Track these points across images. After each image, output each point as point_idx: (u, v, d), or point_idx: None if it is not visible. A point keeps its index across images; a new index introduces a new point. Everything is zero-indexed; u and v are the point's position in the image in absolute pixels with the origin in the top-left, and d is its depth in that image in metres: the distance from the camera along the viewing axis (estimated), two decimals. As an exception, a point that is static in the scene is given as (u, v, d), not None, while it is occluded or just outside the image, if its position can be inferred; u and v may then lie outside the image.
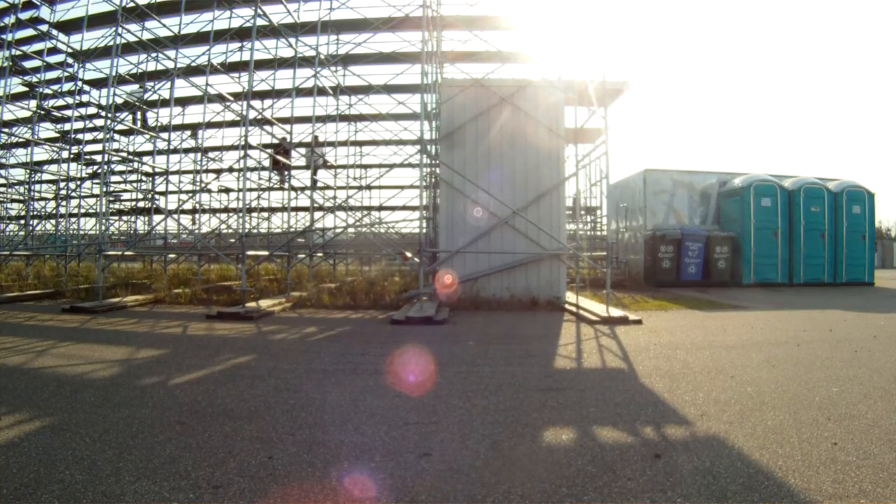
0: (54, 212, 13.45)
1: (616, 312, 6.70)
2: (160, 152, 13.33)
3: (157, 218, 13.75)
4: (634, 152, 71.27)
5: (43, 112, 13.27)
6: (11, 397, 3.12)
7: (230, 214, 15.70)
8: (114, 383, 3.50)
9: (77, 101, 12.85)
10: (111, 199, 15.32)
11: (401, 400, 3.17)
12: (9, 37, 11.36)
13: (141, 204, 15.37)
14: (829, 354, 4.50)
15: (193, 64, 11.10)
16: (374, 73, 12.77)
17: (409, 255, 9.09)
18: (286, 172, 11.35)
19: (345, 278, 12.75)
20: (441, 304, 7.56)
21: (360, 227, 12.11)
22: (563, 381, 3.61)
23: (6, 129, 13.30)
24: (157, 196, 14.02)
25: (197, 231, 13.94)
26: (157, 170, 14.03)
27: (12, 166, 14.62)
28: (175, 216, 12.64)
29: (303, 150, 14.11)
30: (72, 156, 13.71)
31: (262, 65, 11.38)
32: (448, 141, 8.63)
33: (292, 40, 10.55)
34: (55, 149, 13.83)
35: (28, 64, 12.76)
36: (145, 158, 14.50)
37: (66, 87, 12.95)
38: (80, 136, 13.95)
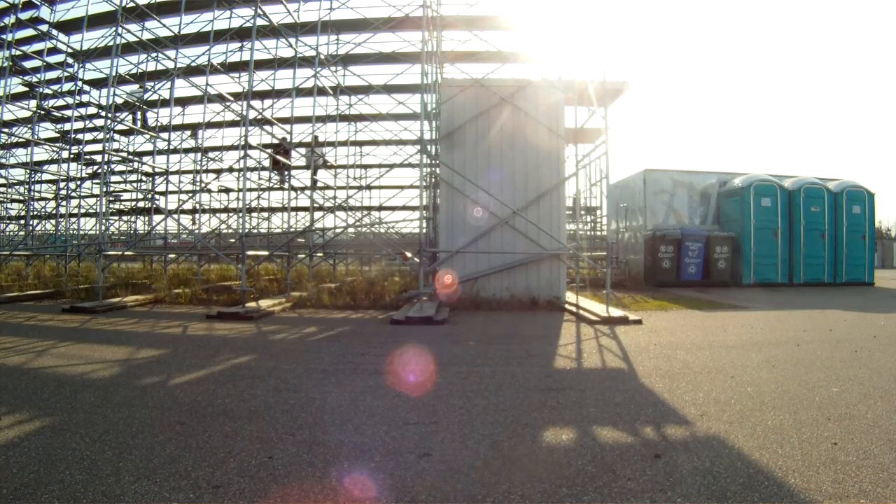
0: (54, 212, 13.46)
1: (616, 312, 6.70)
2: (160, 152, 13.33)
3: (157, 218, 13.75)
4: (634, 152, 71.32)
5: (43, 112, 13.27)
6: (11, 397, 3.12)
7: (230, 214, 15.70)
8: (114, 383, 3.50)
9: (77, 101, 12.85)
10: (111, 199, 15.32)
11: (401, 400, 3.17)
12: (9, 37, 11.36)
13: (141, 204, 15.38)
14: (829, 354, 4.50)
15: (193, 64, 11.11)
16: (374, 73, 12.79)
17: (409, 255, 9.09)
18: (286, 172, 11.35)
19: (345, 278, 12.75)
20: (441, 304, 7.56)
21: (360, 227, 12.11)
22: (563, 381, 3.61)
23: (6, 129, 13.30)
24: (157, 196, 14.03)
25: (197, 231, 13.94)
26: (157, 170, 14.03)
27: (12, 166, 14.63)
28: (175, 216, 12.64)
29: (303, 150, 14.11)
30: (72, 156, 13.71)
31: (262, 65, 11.38)
32: (448, 141, 8.63)
33: (292, 40, 10.55)
34: (55, 149, 13.84)
35: (28, 64, 12.77)
36: (145, 158, 14.50)
37: (66, 87, 12.97)
38: (80, 136, 13.96)
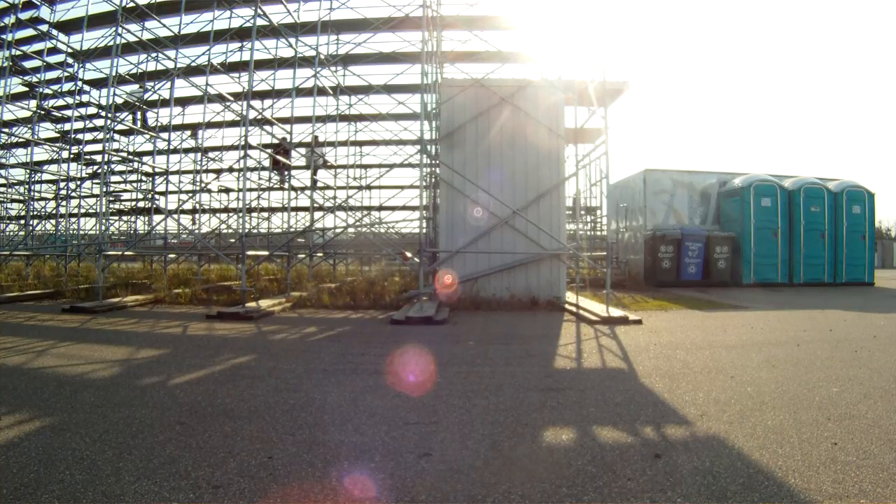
0: (54, 212, 13.46)
1: (616, 312, 6.70)
2: (160, 152, 13.33)
3: (157, 218, 13.75)
4: (634, 152, 71.33)
5: (43, 112, 13.27)
6: (11, 397, 3.12)
7: (230, 214, 15.71)
8: (114, 383, 3.50)
9: (77, 101, 12.85)
10: (111, 199, 15.32)
11: (401, 400, 3.17)
12: (9, 37, 11.36)
13: (141, 204, 15.38)
14: (829, 354, 4.50)
15: (193, 64, 11.11)
16: (374, 73, 12.79)
17: (409, 255, 9.09)
18: (286, 172, 11.35)
19: (345, 278, 12.75)
20: (441, 304, 7.56)
21: (360, 227, 12.11)
22: (563, 381, 3.61)
23: (6, 129, 13.30)
24: (157, 196, 14.03)
25: (197, 231, 13.94)
26: (157, 170, 14.03)
27: (12, 166, 14.63)
28: (175, 216, 12.64)
29: (303, 150, 14.11)
30: (72, 156, 13.72)
31: (262, 65, 11.38)
32: (448, 141, 8.63)
33: (292, 40, 10.55)
34: (55, 149, 13.84)
35: (28, 64, 12.77)
36: (145, 158, 14.50)
37: (66, 87, 12.97)
38: (80, 136, 13.96)
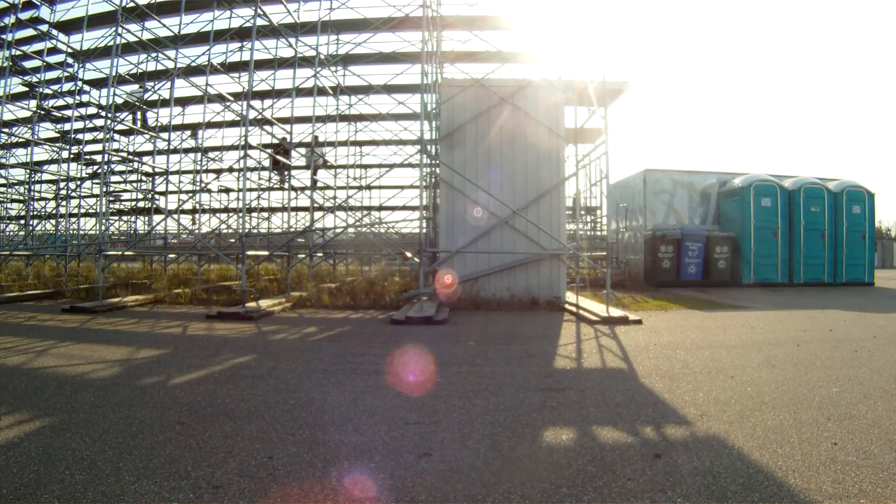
0: (54, 212, 13.46)
1: (616, 312, 6.70)
2: (160, 152, 13.33)
3: (157, 218, 13.75)
4: (634, 152, 71.34)
5: (43, 112, 13.27)
6: (11, 397, 3.12)
7: (230, 214, 15.71)
8: (114, 383, 3.50)
9: (77, 101, 12.85)
10: (111, 199, 15.32)
11: (401, 400, 3.17)
12: (9, 37, 11.36)
13: (141, 204, 15.37)
14: (829, 354, 4.50)
15: (193, 64, 11.11)
16: (374, 73, 12.79)
17: (409, 255, 9.09)
18: (286, 172, 11.35)
19: (345, 278, 12.75)
20: (441, 304, 7.56)
21: (360, 227, 12.11)
22: (563, 381, 3.61)
23: (6, 129, 13.30)
24: (157, 196, 14.03)
25: (197, 231, 13.94)
26: (157, 170, 14.03)
27: (12, 166, 14.63)
28: (175, 216, 12.64)
29: (303, 150, 14.11)
30: (72, 156, 13.72)
31: (262, 65, 11.38)
32: (448, 141, 8.63)
33: (292, 40, 10.55)
34: (55, 149, 13.84)
35: (28, 64, 12.77)
36: (145, 158, 14.50)
37: (66, 87, 12.97)
38: (80, 136, 13.96)
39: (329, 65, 10.98)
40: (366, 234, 12.36)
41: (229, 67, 11.79)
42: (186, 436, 2.49)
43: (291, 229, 11.70)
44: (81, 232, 15.62)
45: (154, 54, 11.70)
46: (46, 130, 14.35)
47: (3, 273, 12.08)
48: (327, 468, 2.15)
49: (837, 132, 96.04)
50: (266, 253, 10.80)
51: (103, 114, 12.50)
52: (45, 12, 11.57)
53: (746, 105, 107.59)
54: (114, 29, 9.10)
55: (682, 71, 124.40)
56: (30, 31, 11.89)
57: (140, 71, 12.31)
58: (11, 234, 16.37)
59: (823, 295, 10.27)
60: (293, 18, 10.19)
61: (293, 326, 6.17)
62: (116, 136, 14.56)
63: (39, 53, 12.33)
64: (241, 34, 10.65)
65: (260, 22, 8.11)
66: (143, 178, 15.02)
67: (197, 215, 15.30)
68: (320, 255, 12.00)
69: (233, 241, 13.14)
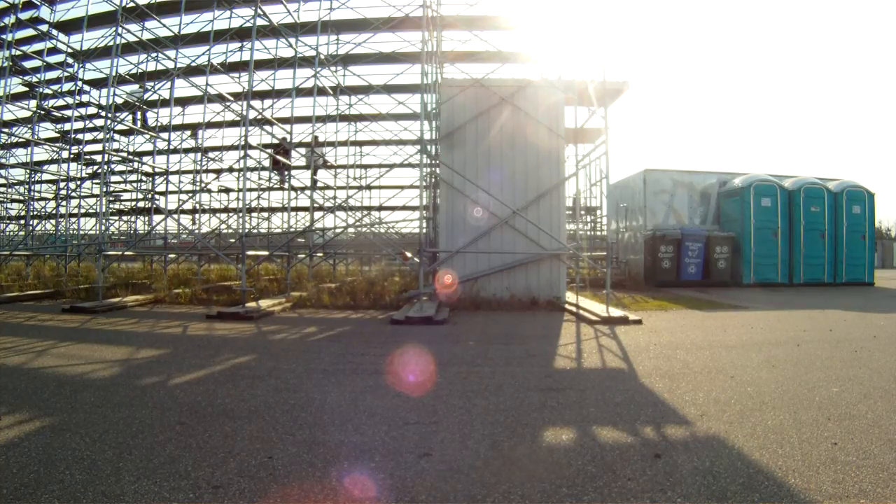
0: (54, 212, 13.46)
1: (616, 312, 6.70)
2: (160, 152, 13.33)
3: (157, 218, 13.75)
4: (634, 152, 71.35)
5: (43, 112, 13.27)
6: (11, 397, 3.12)
7: (230, 214, 15.71)
8: (114, 383, 3.50)
9: (77, 101, 12.85)
10: (111, 199, 15.32)
11: (401, 400, 3.17)
12: (9, 37, 11.36)
13: (141, 204, 15.38)
14: (829, 354, 4.50)
15: (193, 64, 11.11)
16: (374, 73, 12.79)
17: (409, 255, 9.09)
18: (286, 172, 11.35)
19: (345, 278, 12.75)
20: (441, 304, 7.56)
21: (360, 227, 12.11)
22: (563, 381, 3.61)
23: (6, 129, 13.30)
24: (157, 196, 14.03)
25: (197, 231, 13.94)
26: (157, 170, 14.03)
27: (12, 166, 14.63)
28: (175, 216, 12.64)
29: (303, 150, 14.11)
30: (72, 156, 13.72)
31: (262, 65, 11.38)
32: (448, 141, 8.63)
33: (292, 40, 10.55)
34: (55, 149, 13.84)
35: (28, 64, 12.77)
36: (145, 158, 14.51)
37: (66, 87, 12.97)
38: (80, 136, 13.96)
39: (329, 65, 10.98)
40: (366, 234, 12.36)
41: (229, 67, 11.79)
42: (186, 436, 2.49)
43: (291, 229, 11.71)
44: (81, 232, 15.62)
45: (154, 54, 11.70)
46: (46, 130, 14.37)
47: (3, 273, 12.08)
48: (327, 468, 2.15)
49: (837, 132, 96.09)
50: (266, 253, 10.80)
51: (103, 114, 12.50)
52: (45, 12, 11.58)
53: (746, 105, 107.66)
54: (114, 29, 9.10)
55: (682, 71, 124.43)
56: (30, 31, 11.90)
57: (140, 71, 12.32)
58: (11, 234, 16.37)
59: (823, 295, 10.27)
60: (293, 18, 10.20)
61: (293, 326, 6.17)
62: (116, 136, 14.56)
63: (39, 53, 12.33)
64: (241, 34, 10.65)
65: (260, 22, 8.12)
66: (143, 178, 15.03)
67: (197, 215, 15.31)
68: (320, 255, 12.00)
69: (233, 241, 13.14)
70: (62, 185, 13.84)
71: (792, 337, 5.44)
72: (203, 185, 14.25)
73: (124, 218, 16.97)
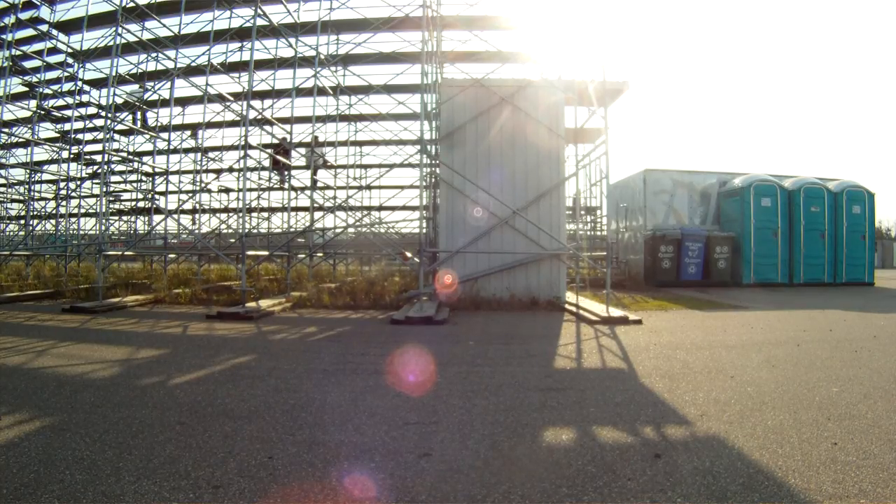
0: (54, 212, 13.46)
1: (616, 312, 6.70)
2: (160, 152, 13.33)
3: (157, 218, 13.75)
4: (634, 152, 71.36)
5: (43, 112, 13.27)
6: (11, 397, 3.12)
7: (230, 214, 15.70)
8: (114, 383, 3.50)
9: (77, 101, 12.85)
10: (111, 199, 15.32)
11: (401, 400, 3.17)
12: (9, 37, 11.36)
13: (141, 204, 15.38)
14: (829, 354, 4.50)
15: (193, 64, 11.11)
16: (374, 73, 12.79)
17: (409, 255, 9.09)
18: (286, 172, 11.35)
19: (345, 278, 12.75)
20: (441, 304, 7.56)
21: (360, 227, 12.11)
22: (563, 381, 3.61)
23: (6, 129, 13.30)
24: (157, 196, 14.03)
25: (197, 231, 13.94)
26: (157, 170, 14.03)
27: (12, 166, 14.63)
28: (175, 216, 12.64)
29: (303, 150, 14.11)
30: (72, 156, 13.72)
31: (262, 65, 11.38)
32: (448, 141, 8.63)
33: (292, 40, 10.56)
34: (55, 149, 13.84)
35: (28, 64, 12.77)
36: (145, 158, 14.51)
37: (66, 87, 12.97)
38: (80, 136, 13.96)
39: (329, 65, 10.98)
40: (366, 234, 12.36)
41: (229, 67, 11.79)
42: (186, 436, 2.49)
43: (291, 229, 11.71)
44: (81, 232, 15.62)
45: (154, 54, 11.70)
46: (46, 130, 14.37)
47: (3, 273, 12.08)
48: (327, 468, 2.15)
49: (837, 132, 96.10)
50: (266, 253, 10.80)
51: (103, 114, 12.50)
52: (45, 12, 11.58)
53: (746, 105, 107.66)
54: (114, 29, 9.10)
55: (682, 71, 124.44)
56: (30, 31, 11.90)
57: (140, 71, 12.32)
58: (11, 234, 16.37)
59: (823, 295, 10.27)
60: (293, 18, 10.20)
61: (293, 326, 6.17)
62: (116, 136, 14.56)
63: (39, 53, 12.33)
64: (241, 34, 10.65)
65: (260, 22, 8.12)
66: (143, 178, 15.03)
67: (197, 215, 15.30)
68: (320, 255, 12.00)
69: (233, 241, 13.14)
70: (62, 185, 13.85)
71: (792, 337, 5.44)
72: (203, 185, 14.25)
73: (124, 218, 16.97)
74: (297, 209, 14.61)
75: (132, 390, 3.32)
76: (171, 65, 11.08)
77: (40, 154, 14.78)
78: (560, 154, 8.78)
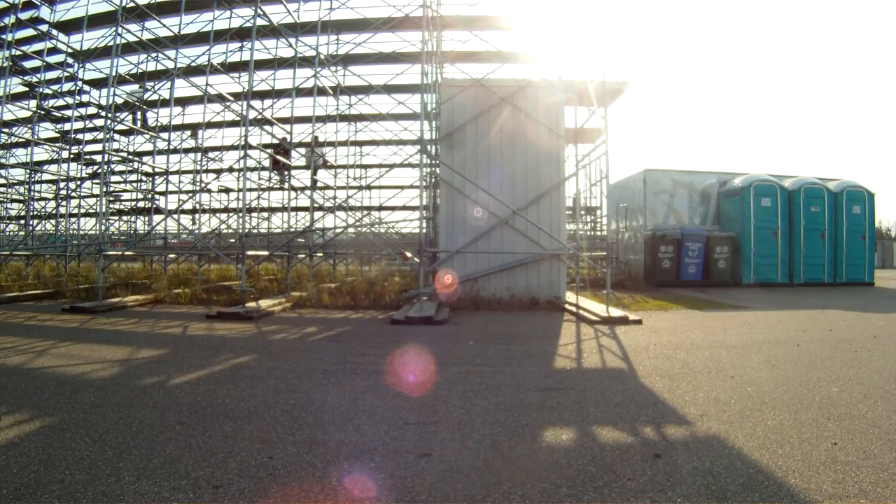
0: (54, 212, 13.46)
1: (616, 312, 6.70)
2: (160, 152, 13.33)
3: (157, 218, 13.75)
4: (634, 152, 71.36)
5: (43, 112, 13.27)
6: (11, 397, 3.12)
7: (230, 214, 15.70)
8: (114, 383, 3.50)
9: (77, 101, 12.85)
10: (111, 199, 15.32)
11: (401, 400, 3.17)
12: (9, 37, 11.36)
13: (141, 204, 15.38)
14: (829, 354, 4.50)
15: (193, 64, 11.11)
16: (374, 73, 12.79)
17: (409, 255, 9.09)
18: (286, 172, 11.35)
19: (345, 278, 12.75)
20: (441, 304, 7.56)
21: (360, 227, 12.11)
22: (563, 381, 3.61)
23: (6, 129, 13.30)
24: (157, 196, 14.03)
25: (197, 231, 13.94)
26: (157, 170, 14.03)
27: (12, 166, 14.63)
28: (175, 216, 12.65)
29: (303, 150, 14.11)
30: (72, 156, 13.72)
31: (262, 65, 11.38)
32: (448, 141, 8.63)
33: (292, 40, 10.56)
34: (55, 149, 13.84)
35: (28, 64, 12.77)
36: (145, 158, 14.51)
37: (66, 87, 12.97)
38: (80, 136, 13.96)
39: (329, 65, 10.98)
40: (366, 234, 12.36)
41: (229, 67, 11.79)
42: (186, 436, 2.49)
43: (291, 229, 11.71)
44: (81, 232, 15.62)
45: (154, 54, 11.70)
46: (46, 130, 14.37)
47: (3, 273, 12.08)
48: (327, 468, 2.15)
49: (837, 132, 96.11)
50: (266, 253, 10.80)
51: (103, 114, 12.50)
52: (45, 12, 11.58)
53: (746, 105, 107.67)
54: (114, 29, 9.10)
55: (682, 71, 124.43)
56: (30, 31, 11.90)
57: (140, 71, 12.32)
58: (11, 234, 16.37)
59: (823, 295, 10.27)
60: (293, 18, 10.20)
61: (293, 326, 6.17)
62: (116, 136, 14.56)
63: (39, 53, 12.33)
64: (241, 34, 10.65)
65: (260, 22, 8.12)
66: (143, 178, 15.03)
67: (197, 215, 15.30)
68: (320, 255, 12.00)
69: (233, 241, 13.14)
70: (62, 185, 13.84)
71: (792, 337, 5.44)
72: (203, 185, 14.25)
73: (124, 218, 16.97)
74: (297, 209, 14.62)
75: (132, 390, 3.32)
76: (171, 65, 11.08)
77: (40, 154, 14.80)
78: (560, 154, 8.78)
